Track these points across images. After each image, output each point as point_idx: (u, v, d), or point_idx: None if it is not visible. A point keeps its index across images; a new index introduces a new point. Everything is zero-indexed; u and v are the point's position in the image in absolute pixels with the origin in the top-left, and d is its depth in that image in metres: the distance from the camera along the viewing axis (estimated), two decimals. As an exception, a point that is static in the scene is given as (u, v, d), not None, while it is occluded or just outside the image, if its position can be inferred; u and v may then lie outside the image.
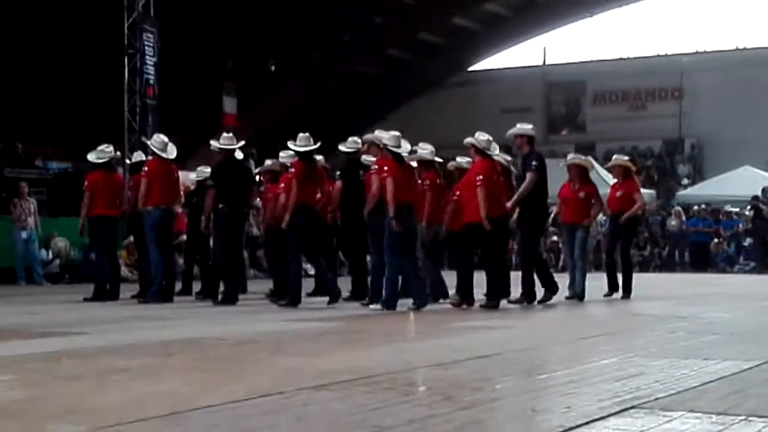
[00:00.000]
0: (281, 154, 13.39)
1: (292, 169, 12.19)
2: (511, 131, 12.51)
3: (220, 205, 12.61)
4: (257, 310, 11.98)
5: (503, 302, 12.03)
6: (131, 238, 19.43)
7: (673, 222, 28.05)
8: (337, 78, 38.13)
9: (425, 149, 12.64)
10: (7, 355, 6.88)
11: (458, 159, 13.34)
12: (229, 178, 12.70)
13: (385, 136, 11.81)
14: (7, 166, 21.12)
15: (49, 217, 20.46)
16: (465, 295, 11.78)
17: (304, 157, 12.26)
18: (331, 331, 9.03)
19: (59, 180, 22.45)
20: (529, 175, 12.09)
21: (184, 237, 15.94)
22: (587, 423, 4.30)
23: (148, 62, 24.09)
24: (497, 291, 11.87)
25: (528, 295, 12.27)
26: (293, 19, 34.09)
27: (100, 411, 4.58)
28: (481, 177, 11.53)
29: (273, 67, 35.33)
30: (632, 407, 4.68)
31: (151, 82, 24.27)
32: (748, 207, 27.19)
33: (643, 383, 5.44)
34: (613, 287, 13.94)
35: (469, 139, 11.87)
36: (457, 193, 12.30)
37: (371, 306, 11.63)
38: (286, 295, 12.77)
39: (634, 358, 6.64)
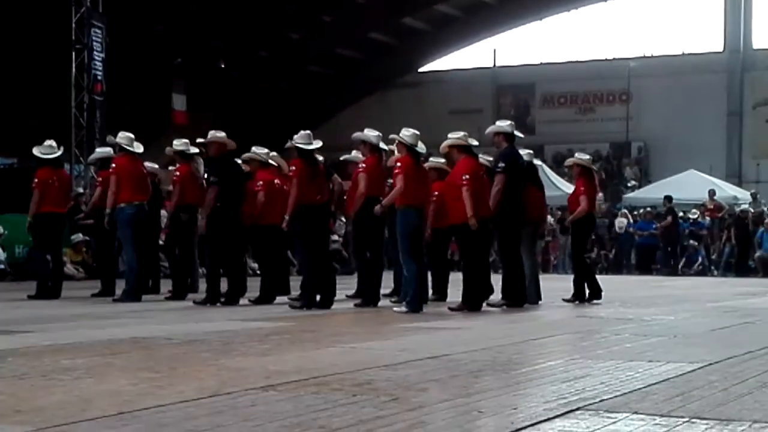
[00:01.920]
0: (254, 149, 13.21)
1: (293, 167, 11.86)
2: (490, 128, 12.40)
3: (218, 204, 12.29)
4: (206, 309, 11.91)
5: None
6: (79, 236, 19.30)
7: (620, 222, 28.32)
8: (286, 76, 38.04)
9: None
10: (-49, 354, 6.79)
11: (432, 159, 13.31)
12: (228, 176, 12.46)
13: (405, 133, 11.47)
14: (-49, 161, 20.83)
15: (-6, 213, 20.16)
16: (469, 302, 11.53)
17: (306, 155, 11.90)
18: (280, 331, 9.01)
19: (4, 175, 22.18)
20: (495, 179, 11.88)
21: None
22: (533, 424, 4.35)
23: (96, 58, 23.90)
24: (475, 294, 11.60)
25: (511, 299, 12.09)
26: (243, 17, 33.96)
27: (47, 410, 4.55)
28: (467, 177, 11.27)
29: (222, 65, 35.17)
30: (577, 409, 4.73)
31: (99, 77, 24.08)
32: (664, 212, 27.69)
33: (588, 385, 5.51)
34: (579, 292, 13.40)
35: (447, 142, 11.62)
36: (436, 193, 12.25)
37: (395, 308, 11.49)
38: (237, 294, 12.61)
39: (580, 360, 6.71)
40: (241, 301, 12.54)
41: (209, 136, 12.73)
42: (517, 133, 12.40)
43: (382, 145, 12.35)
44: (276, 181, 13.03)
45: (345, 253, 20.00)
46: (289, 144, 12.31)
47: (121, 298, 12.83)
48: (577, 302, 13.30)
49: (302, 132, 12.08)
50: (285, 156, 13.72)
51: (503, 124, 12.38)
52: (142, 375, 5.81)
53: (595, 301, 13.29)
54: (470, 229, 11.31)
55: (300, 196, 11.60)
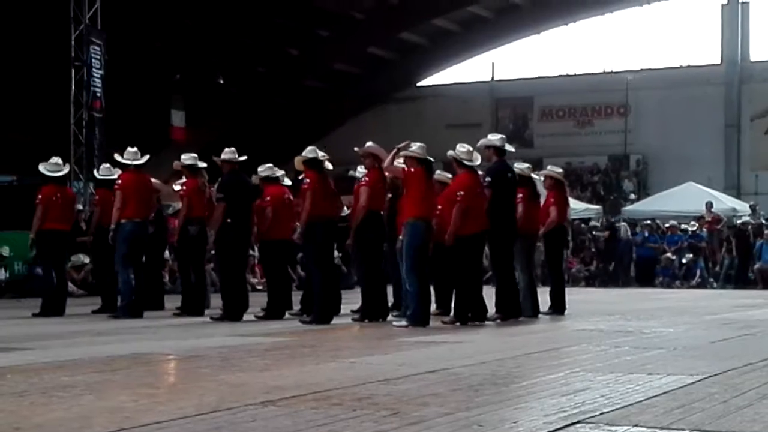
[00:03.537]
0: (259, 169, 13.22)
1: (307, 180, 11.81)
2: (481, 142, 12.44)
3: (228, 220, 12.28)
4: (205, 324, 11.90)
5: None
6: (80, 258, 19.29)
7: (623, 227, 28.43)
8: (285, 91, 38.11)
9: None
10: (-50, 371, 6.78)
11: (438, 172, 13.34)
12: (237, 193, 12.45)
13: (413, 147, 11.37)
14: (-50, 178, 20.82)
15: (-7, 231, 20.15)
16: (460, 316, 11.53)
17: (317, 168, 11.95)
18: (279, 346, 9.00)
19: (4, 193, 22.16)
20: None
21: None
22: (534, 438, 4.35)
23: (95, 75, 23.97)
24: (467, 308, 11.58)
25: (505, 312, 12.11)
26: (241, 33, 34.05)
27: (46, 427, 4.54)
28: (461, 193, 11.36)
29: (221, 81, 35.23)
30: (578, 422, 4.73)
31: (98, 94, 24.14)
32: (604, 227, 27.98)
33: (588, 398, 5.50)
34: (557, 304, 13.66)
35: (451, 153, 11.66)
36: (439, 207, 12.26)
37: (395, 323, 11.50)
38: (240, 310, 12.53)
39: (580, 373, 6.70)
40: (249, 317, 12.53)
41: (224, 154, 12.73)
42: (508, 147, 12.48)
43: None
44: (287, 196, 13.04)
45: (344, 268, 19.98)
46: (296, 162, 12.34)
47: (117, 315, 12.83)
48: (553, 314, 13.43)
49: (309, 148, 12.16)
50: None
51: (494, 138, 12.41)
52: (142, 391, 5.80)
53: (558, 316, 13.37)
54: (465, 243, 11.37)
55: (314, 209, 11.62)
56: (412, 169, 11.31)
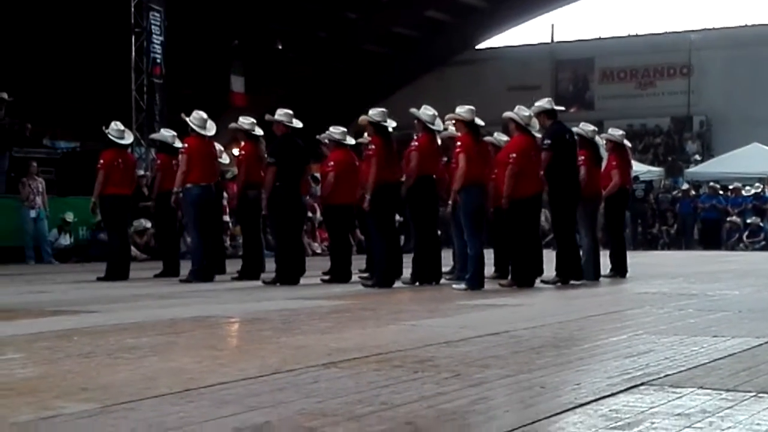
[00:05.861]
0: (332, 129, 13.18)
1: (372, 146, 11.83)
2: (532, 110, 12.31)
3: (277, 183, 12.29)
4: (265, 288, 11.98)
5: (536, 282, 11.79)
6: (142, 222, 19.55)
7: (685, 186, 28.12)
8: (344, 56, 38.05)
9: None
10: (19, 334, 6.91)
11: (496, 135, 13.23)
12: (288, 157, 12.45)
13: (461, 110, 11.41)
14: (15, 145, 21.10)
15: (58, 197, 20.49)
16: (518, 278, 11.53)
17: (383, 133, 11.93)
18: (339, 309, 9.04)
19: (68, 159, 22.47)
20: (542, 156, 11.82)
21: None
22: (597, 400, 4.31)
23: (155, 41, 24.17)
24: (525, 270, 11.58)
25: (564, 276, 12.07)
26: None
27: (112, 388, 4.60)
28: (514, 155, 11.33)
29: (280, 46, 35.26)
30: (641, 384, 4.69)
31: (158, 60, 24.33)
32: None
33: (652, 360, 5.45)
34: (619, 267, 13.61)
35: (508, 114, 11.62)
36: (495, 171, 12.20)
37: (454, 286, 11.54)
38: (296, 273, 12.62)
39: (644, 336, 6.64)
40: (308, 280, 12.59)
41: (277, 115, 12.71)
42: (557, 107, 12.36)
43: (438, 124, 12.29)
44: (352, 161, 13.04)
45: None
46: (362, 119, 12.27)
47: (188, 279, 12.93)
48: (615, 277, 13.35)
49: (378, 109, 12.09)
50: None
51: (541, 103, 12.22)
52: (205, 353, 5.85)
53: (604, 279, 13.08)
54: (520, 206, 11.32)
55: (379, 175, 11.61)
56: (458, 138, 11.30)
